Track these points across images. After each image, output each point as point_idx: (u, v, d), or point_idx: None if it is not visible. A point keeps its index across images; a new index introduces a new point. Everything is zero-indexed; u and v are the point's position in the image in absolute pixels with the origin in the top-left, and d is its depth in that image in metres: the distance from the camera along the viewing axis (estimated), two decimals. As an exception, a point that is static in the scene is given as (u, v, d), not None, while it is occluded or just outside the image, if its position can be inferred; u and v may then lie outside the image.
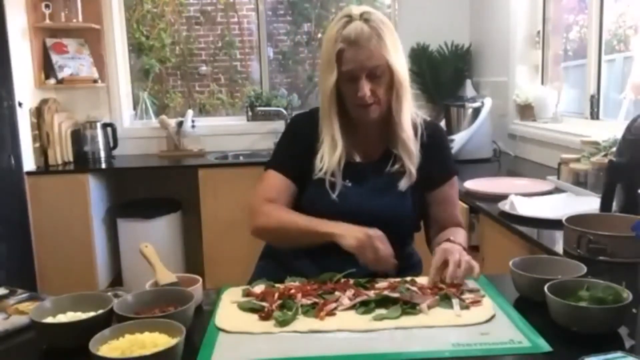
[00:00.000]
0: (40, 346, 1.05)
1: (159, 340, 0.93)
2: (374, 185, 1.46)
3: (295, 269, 1.40)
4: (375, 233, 1.32)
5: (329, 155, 1.44)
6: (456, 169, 1.58)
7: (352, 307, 1.14)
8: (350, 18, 1.38)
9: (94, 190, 3.43)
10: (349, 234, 1.32)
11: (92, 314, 1.05)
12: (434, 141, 1.51)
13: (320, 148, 1.46)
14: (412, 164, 1.46)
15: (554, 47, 3.19)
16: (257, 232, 1.47)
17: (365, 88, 1.37)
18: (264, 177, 1.51)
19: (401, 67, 1.41)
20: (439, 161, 1.52)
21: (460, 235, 1.46)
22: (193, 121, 3.89)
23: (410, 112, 1.48)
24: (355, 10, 1.39)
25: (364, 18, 1.37)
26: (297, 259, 1.48)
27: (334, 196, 1.43)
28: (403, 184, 1.46)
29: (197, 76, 4.44)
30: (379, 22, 1.38)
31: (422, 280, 1.28)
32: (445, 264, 1.26)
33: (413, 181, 1.46)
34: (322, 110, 1.46)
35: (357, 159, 1.49)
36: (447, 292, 1.18)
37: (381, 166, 1.49)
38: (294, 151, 1.51)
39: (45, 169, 3.43)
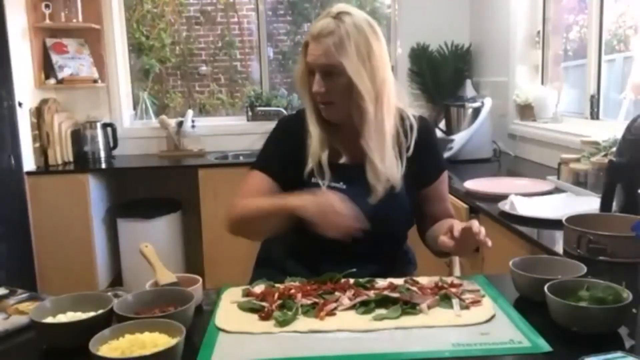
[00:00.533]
0: (40, 346, 1.05)
1: (159, 340, 0.93)
2: (367, 187, 1.43)
3: (292, 274, 1.38)
4: (333, 195, 1.30)
5: (308, 148, 1.44)
6: (445, 165, 1.58)
7: (352, 307, 1.14)
8: (327, 14, 1.38)
9: (94, 190, 3.43)
10: (308, 203, 1.29)
11: (92, 314, 1.05)
12: (424, 138, 1.49)
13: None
14: (376, 180, 1.41)
15: (554, 47, 3.19)
16: (230, 228, 1.45)
17: (317, 84, 1.37)
18: (248, 177, 1.50)
19: (361, 76, 1.35)
20: (430, 159, 1.51)
21: (457, 222, 1.45)
22: (193, 121, 3.89)
23: (401, 112, 1.47)
24: (337, 8, 1.39)
25: (339, 17, 1.36)
26: (293, 263, 1.48)
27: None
28: (377, 191, 1.41)
29: (197, 76, 4.44)
30: (351, 25, 1.35)
31: (422, 280, 1.28)
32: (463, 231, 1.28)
33: (388, 187, 1.42)
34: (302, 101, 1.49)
35: (345, 160, 1.47)
36: (447, 292, 1.18)
37: (362, 169, 1.46)
38: (282, 152, 1.49)
39: (45, 169, 3.43)
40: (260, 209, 1.38)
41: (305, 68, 1.41)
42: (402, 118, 1.48)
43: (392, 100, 1.43)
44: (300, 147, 1.45)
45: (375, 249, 1.44)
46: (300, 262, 1.48)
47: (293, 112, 1.60)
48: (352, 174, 1.44)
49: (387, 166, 1.41)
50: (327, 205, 1.27)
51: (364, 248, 1.40)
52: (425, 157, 1.49)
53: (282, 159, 1.48)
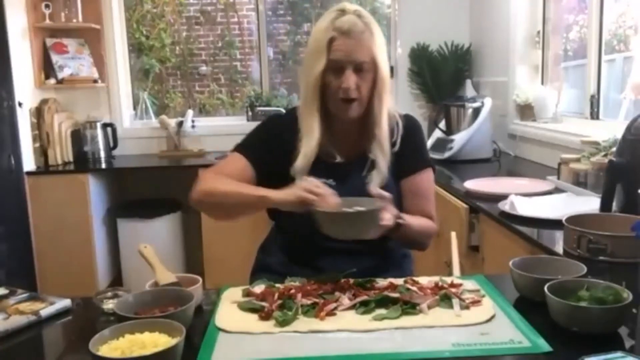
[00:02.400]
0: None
1: (159, 340, 0.93)
2: (356, 185, 1.44)
3: (291, 274, 1.38)
4: (307, 181, 1.32)
5: (304, 146, 1.43)
6: (431, 163, 1.57)
7: (352, 307, 1.14)
8: (343, 12, 1.40)
9: (94, 190, 3.43)
10: (286, 196, 1.30)
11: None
12: (409, 133, 1.53)
13: (300, 144, 1.45)
14: (384, 163, 1.46)
15: (554, 47, 3.19)
16: (197, 198, 1.43)
17: (349, 80, 1.38)
18: (226, 158, 1.52)
19: (386, 67, 1.44)
20: (412, 151, 1.53)
21: (418, 219, 1.46)
22: (193, 121, 3.89)
23: (389, 110, 1.49)
24: (349, 6, 1.42)
25: (357, 14, 1.40)
26: (292, 266, 1.48)
27: None
28: (373, 184, 1.43)
29: (197, 76, 4.44)
30: (370, 20, 1.42)
31: (422, 280, 1.28)
32: None
33: (384, 179, 1.45)
34: (303, 101, 1.46)
35: (338, 158, 1.48)
36: (447, 292, 1.18)
37: (357, 167, 1.48)
38: (267, 145, 1.50)
39: (45, 169, 3.43)
40: (239, 193, 1.39)
41: (326, 65, 1.39)
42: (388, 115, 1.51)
43: None
44: (289, 145, 1.46)
45: (369, 243, 1.41)
46: (298, 262, 1.47)
47: (282, 113, 1.62)
48: (342, 172, 1.46)
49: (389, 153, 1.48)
50: (305, 193, 1.27)
51: (358, 243, 1.38)
52: (410, 151, 1.52)
53: (265, 151, 1.48)
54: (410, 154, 1.52)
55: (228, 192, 1.40)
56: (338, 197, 1.29)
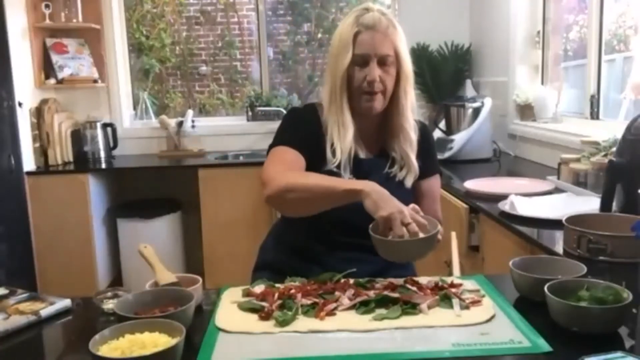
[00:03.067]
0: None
1: (159, 340, 0.93)
2: (379, 181, 1.44)
3: (292, 274, 1.38)
4: (407, 207, 1.26)
5: (340, 141, 1.44)
6: (440, 170, 1.65)
7: (352, 307, 1.14)
8: (367, 10, 1.45)
9: (94, 190, 3.43)
10: (382, 201, 1.24)
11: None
12: (424, 137, 1.57)
13: (327, 140, 1.45)
14: (414, 157, 1.51)
15: (554, 47, 3.19)
16: (271, 197, 1.35)
17: (375, 72, 1.41)
18: (274, 153, 1.46)
19: (409, 62, 1.47)
20: (427, 157, 1.58)
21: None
22: (193, 121, 3.89)
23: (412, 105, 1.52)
24: (372, 5, 1.47)
25: (381, 12, 1.45)
26: (295, 262, 1.48)
27: None
28: (409, 180, 1.50)
29: (197, 76, 4.44)
30: (393, 18, 1.47)
31: (422, 280, 1.28)
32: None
33: (417, 176, 1.51)
34: (330, 97, 1.47)
35: (361, 154, 1.50)
36: (447, 292, 1.19)
37: (379, 164, 1.51)
38: (302, 134, 1.48)
39: (45, 169, 3.43)
40: (318, 185, 1.32)
41: (352, 59, 1.42)
42: None
43: None
44: (317, 137, 1.47)
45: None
46: (302, 258, 1.48)
47: (299, 106, 1.62)
48: (363, 168, 1.48)
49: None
50: (399, 217, 1.22)
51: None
52: (425, 156, 1.56)
53: (304, 138, 1.47)
54: (424, 158, 1.55)
55: (308, 186, 1.33)
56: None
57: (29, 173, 3.29)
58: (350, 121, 1.45)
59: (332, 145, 1.45)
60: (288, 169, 1.39)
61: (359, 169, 1.47)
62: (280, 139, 1.49)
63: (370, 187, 1.27)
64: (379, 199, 1.24)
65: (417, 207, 1.30)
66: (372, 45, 1.41)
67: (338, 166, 1.44)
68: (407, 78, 1.47)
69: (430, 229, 1.25)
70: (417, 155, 1.53)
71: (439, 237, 1.28)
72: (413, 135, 1.51)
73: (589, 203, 1.82)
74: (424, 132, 1.59)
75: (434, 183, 1.60)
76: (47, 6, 3.44)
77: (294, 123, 1.54)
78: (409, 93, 1.48)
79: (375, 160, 1.52)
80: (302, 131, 1.49)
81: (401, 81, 1.46)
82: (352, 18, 1.44)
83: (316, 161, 1.45)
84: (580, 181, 2.17)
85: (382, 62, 1.42)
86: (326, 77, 1.50)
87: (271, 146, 1.49)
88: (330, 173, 1.42)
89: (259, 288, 1.24)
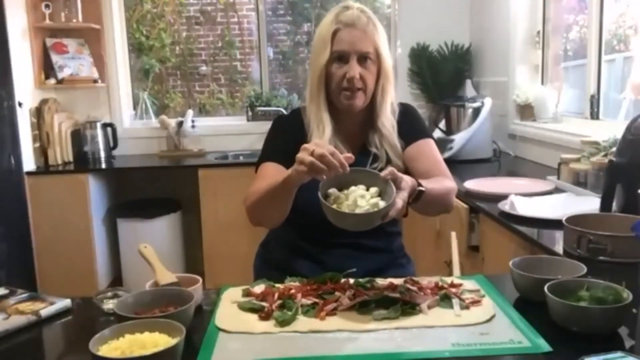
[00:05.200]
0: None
1: (159, 340, 0.93)
2: None
3: (293, 273, 1.38)
4: (318, 144, 1.20)
5: (319, 138, 1.42)
6: (430, 134, 1.57)
7: (352, 307, 1.14)
8: (347, 8, 1.45)
9: (94, 190, 3.44)
10: (295, 166, 1.22)
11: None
12: (404, 115, 1.56)
13: (309, 140, 1.43)
14: (396, 156, 1.48)
15: (554, 47, 3.19)
16: (249, 218, 1.43)
17: (354, 70, 1.41)
18: (259, 171, 1.49)
19: (389, 60, 1.47)
20: (409, 127, 1.54)
21: (437, 181, 1.39)
22: (193, 121, 3.89)
23: (391, 103, 1.51)
24: (352, 3, 1.47)
25: (360, 10, 1.45)
26: (295, 260, 1.48)
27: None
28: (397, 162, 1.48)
29: (197, 76, 4.44)
30: (373, 16, 1.46)
31: (422, 280, 1.28)
32: None
33: (401, 170, 1.41)
34: (310, 95, 1.48)
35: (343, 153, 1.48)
36: (447, 292, 1.18)
37: (363, 160, 1.47)
38: (284, 147, 1.47)
39: (45, 169, 3.43)
40: (266, 190, 1.36)
41: (330, 57, 1.42)
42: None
43: None
44: (300, 142, 1.43)
45: (377, 233, 1.38)
46: (302, 257, 1.48)
47: (284, 114, 1.62)
48: (350, 166, 1.44)
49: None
50: (312, 158, 1.17)
51: (366, 235, 1.35)
52: (407, 128, 1.53)
53: (284, 152, 1.46)
54: (407, 129, 1.53)
55: (263, 192, 1.36)
56: (347, 167, 1.19)
57: (29, 173, 3.29)
58: (328, 119, 1.46)
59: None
60: (267, 185, 1.39)
61: None
62: (263, 155, 1.52)
63: (296, 163, 1.22)
64: (296, 167, 1.22)
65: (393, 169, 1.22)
66: (351, 42, 1.41)
67: None
68: (386, 76, 1.47)
69: (386, 199, 1.16)
70: (400, 131, 1.51)
71: (394, 212, 1.15)
72: (392, 133, 1.49)
73: (589, 203, 1.82)
74: (404, 111, 1.56)
75: (426, 144, 1.52)
76: (47, 6, 3.44)
77: (275, 135, 1.55)
78: (388, 91, 1.48)
79: (358, 158, 1.44)
80: (283, 141, 1.49)
81: (381, 79, 1.46)
82: (332, 16, 1.44)
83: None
84: (580, 181, 2.17)
85: (362, 60, 1.42)
86: (309, 72, 1.50)
87: (257, 163, 1.51)
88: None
89: (259, 288, 1.24)
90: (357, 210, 1.15)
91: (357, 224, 1.18)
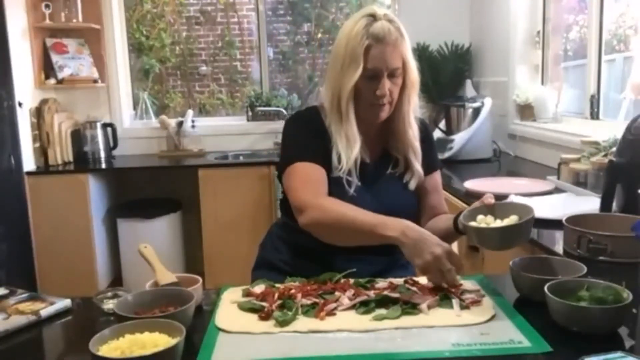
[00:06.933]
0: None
1: (159, 340, 0.93)
2: (382, 184, 1.49)
3: (292, 273, 1.38)
4: (444, 250, 1.20)
5: (347, 153, 1.43)
6: (441, 165, 1.66)
7: (352, 307, 1.14)
8: (374, 17, 1.39)
9: (94, 190, 3.44)
10: (416, 249, 1.21)
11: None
12: (425, 135, 1.58)
13: (333, 147, 1.44)
14: (418, 163, 1.51)
15: (554, 47, 3.19)
16: (311, 226, 1.36)
17: (386, 87, 1.40)
18: (296, 171, 1.42)
19: (415, 68, 1.46)
20: (430, 153, 1.58)
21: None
22: (193, 121, 3.89)
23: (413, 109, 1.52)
24: (378, 10, 1.41)
25: (388, 19, 1.40)
26: (297, 261, 1.48)
27: (351, 192, 1.42)
28: (412, 184, 1.51)
29: (197, 76, 4.45)
30: (399, 23, 1.43)
31: (422, 280, 1.28)
32: None
33: (422, 179, 1.52)
34: (335, 108, 1.44)
35: (365, 159, 1.49)
36: (447, 292, 1.19)
37: (382, 166, 1.51)
38: (314, 145, 1.46)
39: (45, 169, 3.43)
40: (355, 224, 1.30)
41: (363, 73, 1.38)
42: None
43: None
44: (324, 143, 1.45)
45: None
46: (305, 258, 1.48)
47: (301, 110, 1.59)
48: (366, 172, 1.47)
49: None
50: (435, 264, 1.19)
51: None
52: (427, 152, 1.56)
53: (317, 152, 1.45)
54: (427, 155, 1.56)
55: (343, 221, 1.32)
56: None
57: (29, 173, 3.29)
58: (357, 133, 1.44)
59: (337, 152, 1.44)
60: (316, 188, 1.39)
61: (365, 173, 1.46)
62: (296, 153, 1.45)
63: (403, 233, 1.23)
64: (414, 247, 1.21)
65: (451, 249, 1.24)
66: (383, 59, 1.38)
67: (351, 174, 1.43)
68: (412, 86, 1.46)
69: (524, 215, 1.25)
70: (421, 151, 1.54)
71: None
72: (415, 140, 1.51)
73: (589, 203, 1.81)
74: (424, 131, 1.59)
75: (438, 178, 1.61)
76: (47, 6, 3.44)
77: (304, 133, 1.49)
78: (413, 100, 1.48)
79: (379, 163, 1.52)
80: (314, 141, 1.46)
81: (407, 89, 1.45)
82: (361, 28, 1.37)
83: (324, 167, 1.44)
84: (580, 181, 2.17)
85: (392, 74, 1.41)
86: (329, 81, 1.46)
87: (287, 161, 1.45)
88: (338, 180, 1.42)
89: (259, 288, 1.24)
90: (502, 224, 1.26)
91: (510, 238, 1.26)
